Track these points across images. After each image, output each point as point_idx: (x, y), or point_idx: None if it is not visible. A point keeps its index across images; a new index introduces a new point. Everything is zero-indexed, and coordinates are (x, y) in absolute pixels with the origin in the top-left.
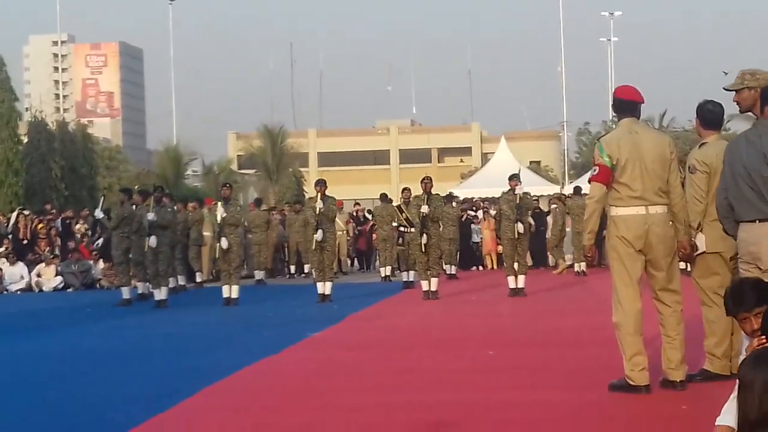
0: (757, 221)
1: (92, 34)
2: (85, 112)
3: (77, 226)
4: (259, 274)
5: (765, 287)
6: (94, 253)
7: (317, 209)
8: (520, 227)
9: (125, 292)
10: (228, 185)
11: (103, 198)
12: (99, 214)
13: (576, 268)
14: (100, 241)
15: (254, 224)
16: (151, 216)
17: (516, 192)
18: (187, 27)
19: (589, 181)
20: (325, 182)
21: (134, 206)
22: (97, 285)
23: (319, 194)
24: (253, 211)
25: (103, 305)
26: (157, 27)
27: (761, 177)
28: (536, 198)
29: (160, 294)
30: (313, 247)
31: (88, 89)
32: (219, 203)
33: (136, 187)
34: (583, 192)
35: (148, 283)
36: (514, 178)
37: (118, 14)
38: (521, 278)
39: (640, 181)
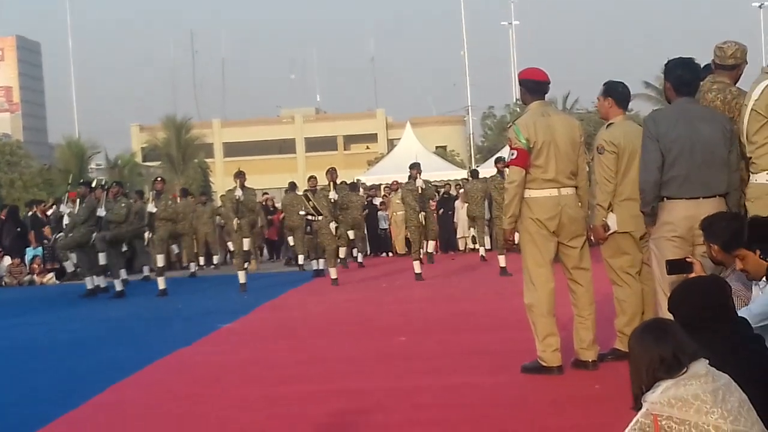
0: (701, 198)
1: None
2: None
3: None
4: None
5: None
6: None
7: (237, 198)
8: (421, 217)
9: (89, 282)
10: (161, 179)
11: (67, 194)
12: (65, 209)
13: (481, 252)
14: (61, 235)
15: (183, 215)
16: (100, 211)
17: (417, 183)
18: (85, 19)
19: (507, 166)
20: (244, 173)
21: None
22: (2, 283)
23: (238, 184)
24: (181, 201)
25: (7, 303)
26: (54, 19)
27: (719, 155)
28: (445, 183)
29: (118, 285)
30: (235, 230)
31: None
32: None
33: (95, 181)
34: (480, 176)
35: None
36: (415, 167)
37: (14, 7)
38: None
39: (553, 164)
